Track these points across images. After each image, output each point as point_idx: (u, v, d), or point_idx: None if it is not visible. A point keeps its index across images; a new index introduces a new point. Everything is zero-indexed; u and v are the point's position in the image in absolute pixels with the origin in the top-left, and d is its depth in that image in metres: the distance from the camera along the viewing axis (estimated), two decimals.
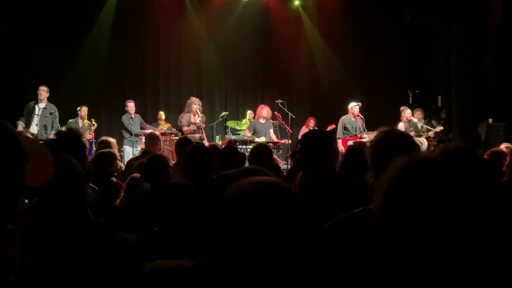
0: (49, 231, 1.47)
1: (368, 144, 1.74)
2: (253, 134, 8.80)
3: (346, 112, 9.08)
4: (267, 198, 1.26)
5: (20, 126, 7.93)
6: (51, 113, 8.11)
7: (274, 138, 8.97)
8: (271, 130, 9.04)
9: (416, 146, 1.71)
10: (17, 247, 0.76)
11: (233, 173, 1.77)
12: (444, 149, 2.14)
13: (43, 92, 8.14)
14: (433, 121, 10.85)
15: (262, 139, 8.59)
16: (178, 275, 1.14)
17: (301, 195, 2.42)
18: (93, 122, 8.94)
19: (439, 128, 9.42)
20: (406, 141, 1.68)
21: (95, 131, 8.99)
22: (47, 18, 9.86)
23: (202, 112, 8.66)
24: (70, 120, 8.75)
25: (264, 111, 8.98)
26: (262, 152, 3.57)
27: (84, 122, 8.98)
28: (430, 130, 9.09)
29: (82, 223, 1.52)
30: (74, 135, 2.26)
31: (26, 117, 8.07)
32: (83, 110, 8.97)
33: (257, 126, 8.93)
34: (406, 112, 8.95)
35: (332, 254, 1.56)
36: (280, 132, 9.59)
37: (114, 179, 4.15)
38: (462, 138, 9.50)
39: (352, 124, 8.85)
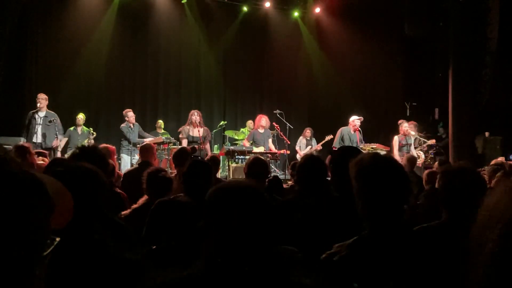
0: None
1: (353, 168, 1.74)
2: (251, 144, 8.80)
3: (344, 123, 9.11)
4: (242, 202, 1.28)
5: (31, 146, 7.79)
6: (50, 122, 8.09)
7: (273, 148, 8.96)
8: (270, 140, 9.02)
9: (402, 169, 1.72)
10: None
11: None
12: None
13: (43, 100, 8.09)
14: (440, 128, 10.88)
15: (260, 149, 8.60)
16: (181, 285, 1.21)
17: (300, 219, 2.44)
18: (92, 131, 8.95)
19: (431, 141, 9.45)
20: (391, 164, 1.69)
21: (94, 139, 8.99)
22: (47, 27, 9.89)
23: (203, 123, 8.64)
24: (69, 129, 8.76)
25: (263, 120, 8.98)
26: (259, 165, 3.58)
27: (82, 129, 9.01)
28: (425, 143, 9.12)
29: (86, 240, 1.54)
30: (96, 150, 2.29)
31: (30, 127, 7.99)
32: (80, 117, 9.00)
33: (256, 135, 8.93)
34: (403, 126, 8.97)
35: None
36: (278, 142, 9.62)
37: (117, 189, 4.17)
38: (459, 151, 9.54)
39: (351, 137, 8.87)
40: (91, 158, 2.18)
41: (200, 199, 2.86)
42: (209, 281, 1.18)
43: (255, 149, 8.51)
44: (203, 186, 2.92)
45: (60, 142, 8.21)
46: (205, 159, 5.85)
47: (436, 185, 2.21)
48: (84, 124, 9.13)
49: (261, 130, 8.96)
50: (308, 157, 2.85)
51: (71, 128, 8.86)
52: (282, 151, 8.97)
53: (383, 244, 1.54)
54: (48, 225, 0.76)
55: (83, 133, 8.91)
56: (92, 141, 8.62)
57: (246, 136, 9.33)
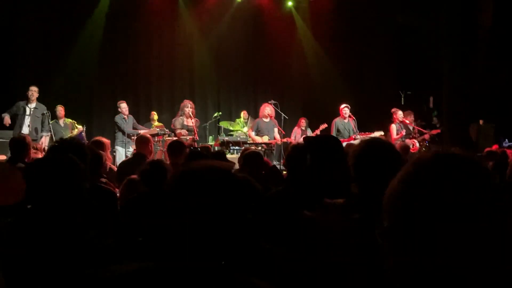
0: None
1: (350, 155, 1.73)
2: (256, 134, 8.67)
3: (338, 112, 9.15)
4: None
5: (7, 118, 7.82)
6: (43, 114, 8.03)
7: (278, 138, 8.72)
8: (276, 130, 8.76)
9: (399, 155, 1.72)
10: None
11: None
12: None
13: (35, 92, 8.04)
14: (434, 118, 10.89)
15: (265, 139, 8.50)
16: (135, 277, 1.13)
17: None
18: (76, 124, 8.82)
19: (436, 131, 9.47)
20: (389, 150, 1.69)
21: (86, 132, 8.93)
22: (38, 17, 9.79)
23: (195, 114, 8.60)
24: (51, 122, 8.54)
25: (268, 109, 8.70)
26: (253, 159, 3.57)
27: (65, 121, 8.88)
28: (423, 133, 9.12)
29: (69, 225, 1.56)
30: (77, 142, 2.29)
31: (18, 117, 7.94)
32: (59, 110, 8.79)
33: (260, 125, 8.70)
34: (398, 114, 9.01)
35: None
36: None
37: (104, 180, 4.15)
38: (453, 139, 9.58)
39: (345, 126, 8.89)
40: (69, 150, 2.18)
41: None
42: (158, 277, 1.10)
43: (259, 139, 8.44)
44: None
45: (46, 138, 8.13)
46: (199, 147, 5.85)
47: None
48: (78, 117, 9.05)
49: (265, 120, 8.71)
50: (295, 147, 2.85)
51: (53, 121, 8.57)
52: (285, 140, 8.84)
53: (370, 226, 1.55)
54: None
55: (66, 125, 8.80)
56: (77, 132, 8.51)
57: (251, 125, 9.17)
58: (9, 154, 5.06)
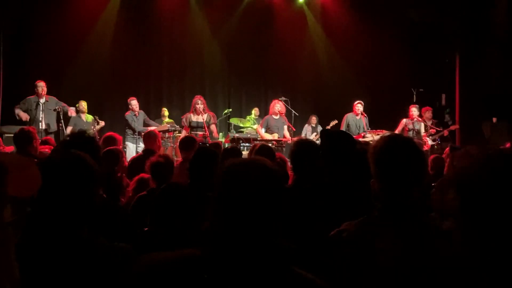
0: (42, 242, 1.48)
1: (370, 150, 1.67)
2: (266, 131, 8.62)
3: (349, 109, 9.09)
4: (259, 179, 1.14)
5: (22, 113, 7.87)
6: (55, 109, 8.09)
7: (287, 136, 8.65)
8: (285, 127, 8.67)
9: (421, 151, 1.68)
10: (10, 255, 0.81)
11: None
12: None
13: (44, 87, 8.05)
14: (446, 115, 10.79)
15: (275, 136, 8.45)
16: (180, 264, 1.13)
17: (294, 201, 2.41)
18: (97, 120, 8.91)
19: (454, 127, 9.38)
20: (409, 145, 1.65)
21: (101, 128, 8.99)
22: (50, 12, 9.85)
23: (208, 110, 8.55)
24: (73, 116, 8.68)
25: (278, 106, 8.58)
26: (265, 152, 3.56)
27: (86, 116, 8.97)
28: (439, 131, 9.02)
29: (74, 238, 1.51)
30: (87, 136, 2.29)
31: (31, 113, 7.97)
32: (82, 105, 8.91)
33: (270, 122, 8.60)
34: (411, 110, 8.92)
35: (336, 264, 1.56)
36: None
37: (119, 175, 4.17)
38: (466, 137, 9.47)
39: (356, 122, 8.82)
40: (82, 145, 2.16)
41: (207, 186, 2.87)
42: (207, 264, 1.10)
43: (268, 136, 8.41)
44: (209, 173, 2.93)
45: (66, 129, 8.21)
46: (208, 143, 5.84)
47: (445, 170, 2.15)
48: (89, 113, 9.12)
49: (275, 117, 8.61)
50: (300, 142, 2.82)
51: (74, 115, 8.71)
52: (295, 138, 8.79)
53: (389, 224, 1.53)
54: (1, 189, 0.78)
55: (88, 120, 8.90)
56: (95, 128, 8.59)
57: (261, 122, 9.15)
58: None
